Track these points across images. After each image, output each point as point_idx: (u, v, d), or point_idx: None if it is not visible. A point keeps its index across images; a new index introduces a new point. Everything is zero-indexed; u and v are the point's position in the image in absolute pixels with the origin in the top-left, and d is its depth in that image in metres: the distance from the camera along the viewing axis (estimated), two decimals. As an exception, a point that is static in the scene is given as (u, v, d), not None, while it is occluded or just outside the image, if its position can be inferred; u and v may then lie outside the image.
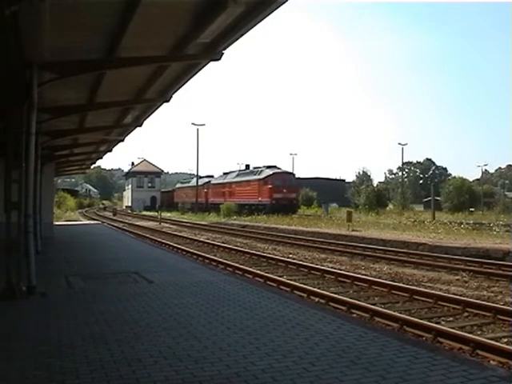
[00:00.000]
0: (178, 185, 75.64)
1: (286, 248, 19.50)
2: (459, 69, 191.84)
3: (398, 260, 14.82)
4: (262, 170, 47.23)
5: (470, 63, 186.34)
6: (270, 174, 44.84)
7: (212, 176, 65.75)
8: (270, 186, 43.49)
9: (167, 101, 11.79)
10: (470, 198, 55.62)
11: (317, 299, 9.14)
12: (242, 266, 13.20)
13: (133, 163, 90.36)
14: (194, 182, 65.72)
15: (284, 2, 6.28)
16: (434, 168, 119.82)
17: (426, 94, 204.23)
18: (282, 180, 44.70)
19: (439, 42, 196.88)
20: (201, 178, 63.78)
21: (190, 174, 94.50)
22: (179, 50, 8.09)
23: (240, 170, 54.21)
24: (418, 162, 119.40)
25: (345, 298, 8.94)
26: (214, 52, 8.22)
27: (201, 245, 21.01)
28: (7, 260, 7.34)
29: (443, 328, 6.91)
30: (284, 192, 43.49)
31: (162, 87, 10.91)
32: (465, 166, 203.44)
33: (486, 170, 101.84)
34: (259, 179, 45.46)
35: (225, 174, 57.46)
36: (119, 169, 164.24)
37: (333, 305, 8.66)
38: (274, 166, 47.82)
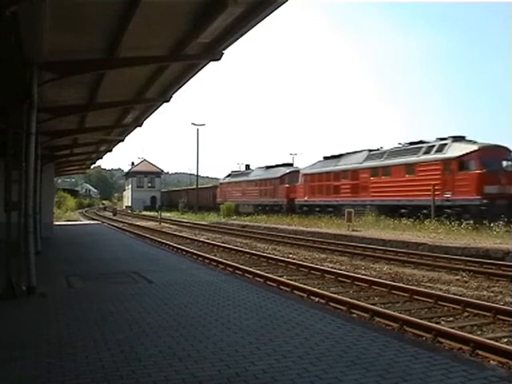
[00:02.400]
0: (227, 179, 54.24)
1: (286, 248, 19.49)
2: (462, 69, 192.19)
3: (398, 260, 14.81)
4: (444, 145, 25.31)
5: (472, 63, 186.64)
6: (475, 151, 23.83)
7: (290, 164, 46.46)
8: (477, 173, 23.15)
9: (167, 101, 11.79)
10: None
11: (317, 299, 9.14)
12: (242, 266, 13.19)
13: (133, 163, 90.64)
14: (257, 172, 47.31)
15: (284, 2, 6.29)
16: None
17: (431, 93, 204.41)
18: (496, 161, 23.90)
19: (448, 42, 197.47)
20: (268, 167, 46.04)
21: (190, 174, 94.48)
22: (179, 49, 8.09)
23: (372, 151, 31.68)
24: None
25: (345, 298, 8.94)
26: (213, 52, 8.23)
27: (201, 245, 21.01)
28: (7, 260, 7.34)
29: (443, 328, 6.91)
30: (502, 183, 23.24)
31: (161, 87, 10.91)
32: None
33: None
34: (446, 160, 24.49)
35: (328, 158, 36.26)
36: (119, 169, 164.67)
37: (333, 305, 8.65)
38: (463, 137, 25.58)
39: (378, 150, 31.47)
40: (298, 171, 39.87)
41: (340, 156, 34.61)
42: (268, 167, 46.47)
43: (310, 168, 37.64)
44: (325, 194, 34.36)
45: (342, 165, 33.31)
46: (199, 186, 62.75)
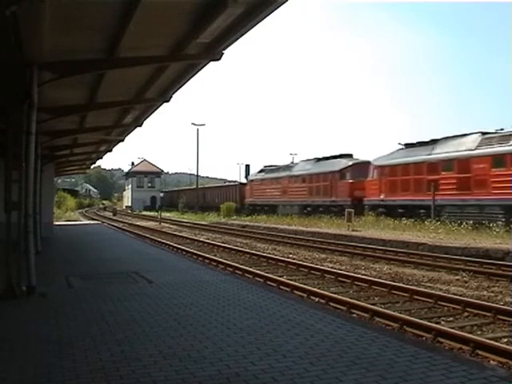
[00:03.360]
0: (260, 175, 45.34)
1: (286, 248, 19.49)
2: (467, 69, 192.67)
3: (398, 260, 14.81)
4: None
5: (478, 63, 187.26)
6: None
7: (349, 155, 35.33)
8: None
9: (167, 101, 11.78)
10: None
11: (317, 299, 9.14)
12: (242, 266, 13.19)
13: (133, 163, 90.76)
14: (303, 166, 38.52)
15: (284, 2, 6.29)
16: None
17: (436, 93, 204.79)
18: None
19: (453, 42, 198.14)
20: (320, 159, 37.27)
21: (190, 174, 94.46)
22: (179, 49, 8.09)
23: (487, 133, 23.81)
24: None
25: (345, 298, 8.94)
26: (213, 52, 8.22)
27: (201, 245, 21.01)
28: (7, 260, 7.34)
29: (443, 328, 6.91)
30: None
31: (161, 87, 10.90)
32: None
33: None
34: None
35: (413, 145, 28.22)
36: (119, 169, 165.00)
37: (333, 305, 8.65)
38: None
39: (495, 132, 23.58)
40: (365, 163, 31.63)
41: (434, 142, 26.23)
42: (319, 159, 37.48)
43: (387, 158, 29.02)
44: (413, 191, 26.20)
45: (442, 153, 24.90)
46: (225, 184, 59.55)
